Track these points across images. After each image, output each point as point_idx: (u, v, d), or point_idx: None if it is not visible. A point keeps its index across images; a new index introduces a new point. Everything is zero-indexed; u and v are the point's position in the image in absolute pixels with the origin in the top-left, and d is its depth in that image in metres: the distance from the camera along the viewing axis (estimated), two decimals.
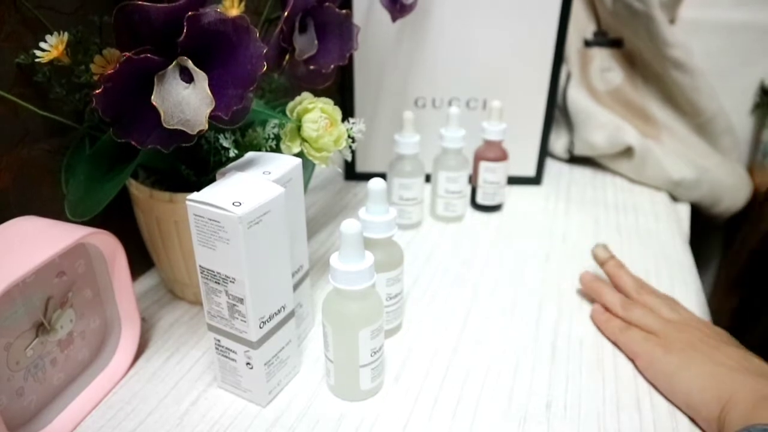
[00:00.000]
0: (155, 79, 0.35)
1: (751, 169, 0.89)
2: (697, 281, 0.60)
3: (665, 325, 0.47)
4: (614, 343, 0.49)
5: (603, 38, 0.84)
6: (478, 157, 0.68)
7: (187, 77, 0.36)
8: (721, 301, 0.90)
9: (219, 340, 0.42)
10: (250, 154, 0.44)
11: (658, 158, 0.76)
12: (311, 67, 0.48)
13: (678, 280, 0.59)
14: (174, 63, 0.35)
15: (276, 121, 0.48)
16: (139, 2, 0.33)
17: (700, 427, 0.41)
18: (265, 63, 0.36)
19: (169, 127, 0.35)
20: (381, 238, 0.45)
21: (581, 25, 0.84)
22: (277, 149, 0.48)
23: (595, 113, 0.79)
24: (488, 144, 0.67)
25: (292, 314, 0.43)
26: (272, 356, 0.42)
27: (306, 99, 0.48)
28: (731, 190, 0.81)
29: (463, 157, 0.66)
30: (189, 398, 0.44)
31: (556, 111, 0.77)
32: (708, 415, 0.40)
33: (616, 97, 0.82)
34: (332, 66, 0.49)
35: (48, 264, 0.38)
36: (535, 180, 0.77)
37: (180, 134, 0.36)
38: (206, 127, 0.35)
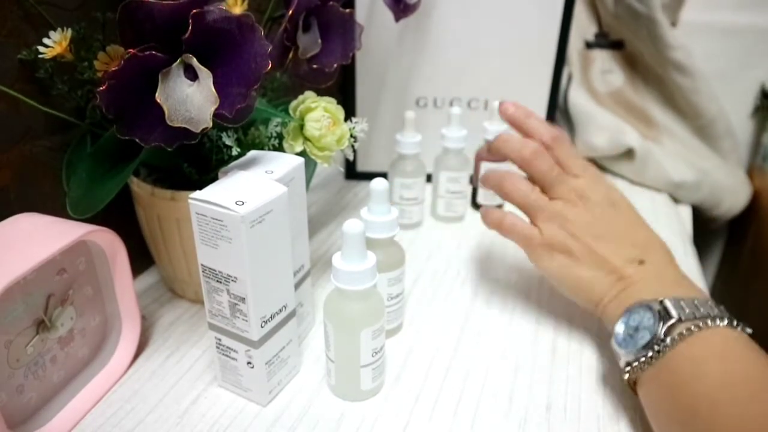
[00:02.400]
0: (159, 77, 0.35)
1: (751, 172, 0.89)
2: (702, 281, 0.60)
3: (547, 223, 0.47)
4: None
5: (604, 40, 0.84)
6: (480, 158, 0.68)
7: (192, 75, 0.35)
8: (722, 302, 0.91)
9: (220, 339, 0.42)
10: (252, 153, 0.43)
11: (659, 160, 0.76)
12: (314, 65, 0.48)
13: None
14: (178, 60, 0.35)
15: (278, 119, 0.48)
16: None
17: None
18: (269, 61, 0.36)
19: (173, 125, 0.35)
20: (383, 238, 0.45)
21: (582, 26, 0.84)
22: (279, 148, 0.48)
23: (595, 115, 0.79)
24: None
25: (293, 314, 0.43)
26: (273, 355, 0.42)
27: (309, 98, 0.48)
28: (731, 192, 0.81)
29: (465, 157, 0.66)
30: (189, 397, 0.44)
31: (557, 112, 0.77)
32: (586, 309, 0.47)
33: (616, 98, 0.82)
34: (335, 65, 0.49)
35: (49, 261, 0.37)
36: None
37: (184, 132, 0.36)
38: (211, 125, 0.35)
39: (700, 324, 0.37)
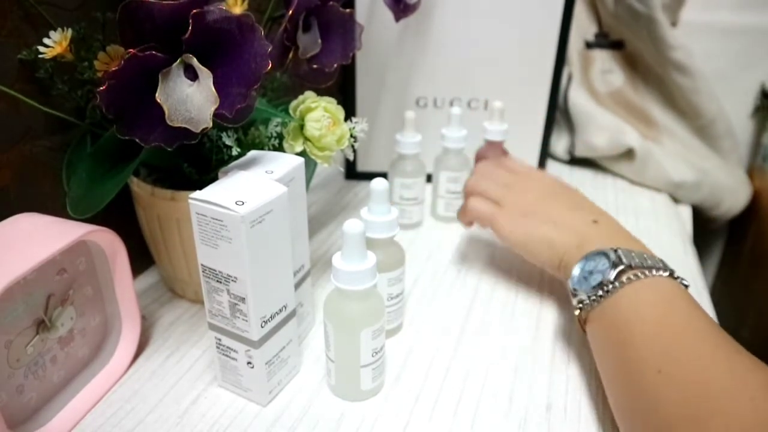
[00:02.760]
0: (159, 77, 0.35)
1: (751, 172, 0.89)
2: (701, 281, 0.60)
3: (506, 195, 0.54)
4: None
5: (604, 40, 0.84)
6: (480, 158, 0.68)
7: (192, 75, 0.35)
8: (722, 302, 0.91)
9: (220, 339, 0.42)
10: (252, 153, 0.43)
11: (659, 160, 0.76)
12: (314, 65, 0.48)
13: None
14: (178, 60, 0.35)
15: (279, 119, 0.48)
16: None
17: None
18: (269, 61, 0.36)
19: (173, 125, 0.35)
20: (383, 238, 0.45)
21: (583, 26, 0.84)
22: (279, 148, 0.48)
23: (595, 115, 0.79)
24: (489, 144, 0.67)
25: (293, 313, 0.43)
26: (273, 355, 0.42)
27: (309, 98, 0.48)
28: (731, 192, 0.81)
29: (465, 157, 0.66)
30: (189, 397, 0.44)
31: (557, 112, 0.77)
32: (551, 271, 0.51)
33: (617, 98, 0.82)
34: (335, 65, 0.49)
35: (49, 261, 0.37)
36: None
37: (184, 132, 0.36)
38: (211, 125, 0.35)
39: (646, 272, 0.42)
